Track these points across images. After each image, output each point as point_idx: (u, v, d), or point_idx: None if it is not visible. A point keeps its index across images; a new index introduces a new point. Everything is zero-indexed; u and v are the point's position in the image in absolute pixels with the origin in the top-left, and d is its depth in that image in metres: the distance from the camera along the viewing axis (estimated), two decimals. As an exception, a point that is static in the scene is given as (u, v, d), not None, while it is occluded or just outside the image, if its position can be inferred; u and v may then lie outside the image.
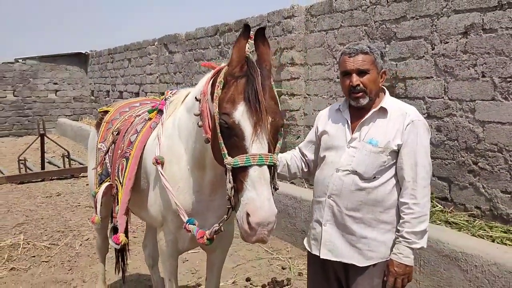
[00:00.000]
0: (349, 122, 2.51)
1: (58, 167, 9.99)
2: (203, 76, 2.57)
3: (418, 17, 5.20)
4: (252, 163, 2.01)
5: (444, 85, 4.98)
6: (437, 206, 4.95)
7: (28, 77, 16.72)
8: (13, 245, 5.68)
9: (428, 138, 2.45)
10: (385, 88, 2.55)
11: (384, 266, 2.46)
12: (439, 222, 4.60)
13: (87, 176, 9.19)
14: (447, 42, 4.92)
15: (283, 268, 4.97)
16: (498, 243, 4.15)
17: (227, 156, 2.07)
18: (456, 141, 4.90)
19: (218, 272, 3.11)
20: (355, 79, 2.40)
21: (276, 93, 2.25)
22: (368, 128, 2.45)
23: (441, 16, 4.96)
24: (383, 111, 2.44)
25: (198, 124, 2.36)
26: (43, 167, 9.72)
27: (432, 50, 5.08)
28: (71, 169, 9.49)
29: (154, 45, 11.54)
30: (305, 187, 6.28)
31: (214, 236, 2.32)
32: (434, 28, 5.04)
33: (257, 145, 2.04)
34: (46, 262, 5.20)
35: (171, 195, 2.57)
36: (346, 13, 6.14)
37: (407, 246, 2.37)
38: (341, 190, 2.45)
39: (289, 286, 4.56)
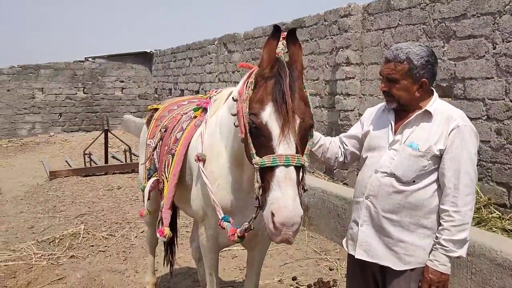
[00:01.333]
0: (392, 123, 2.47)
1: (121, 162, 10.42)
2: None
3: (479, 15, 4.98)
4: (279, 164, 2.02)
5: (506, 86, 4.75)
6: (495, 212, 4.73)
7: (97, 75, 17.57)
8: (74, 234, 6.01)
9: (476, 145, 2.34)
10: (433, 90, 2.47)
11: (420, 269, 2.40)
12: (495, 229, 4.40)
13: (145, 171, 9.75)
14: (509, 41, 4.68)
15: (331, 269, 4.93)
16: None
17: (255, 156, 2.10)
18: (517, 145, 4.66)
19: (258, 269, 3.14)
20: (383, 85, 2.41)
21: (307, 94, 2.25)
22: (411, 131, 2.40)
23: (504, 14, 4.73)
24: (427, 114, 2.38)
25: (234, 123, 2.41)
26: (106, 161, 10.20)
27: (493, 49, 4.85)
28: (131, 164, 9.88)
29: (214, 44, 11.76)
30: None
31: (245, 234, 2.35)
32: (496, 26, 4.81)
33: (284, 146, 2.05)
34: (103, 251, 5.46)
35: (210, 192, 2.64)
36: (404, 11, 5.98)
37: (444, 254, 2.30)
38: (378, 191, 2.43)
39: (335, 287, 4.53)
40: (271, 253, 5.46)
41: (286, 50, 2.28)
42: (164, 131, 3.38)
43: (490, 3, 4.85)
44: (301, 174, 2.14)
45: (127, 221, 6.55)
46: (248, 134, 2.14)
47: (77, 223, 6.49)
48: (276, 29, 2.17)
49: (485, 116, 4.93)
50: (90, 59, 17.66)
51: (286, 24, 8.66)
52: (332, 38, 7.20)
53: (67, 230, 6.16)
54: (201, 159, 2.73)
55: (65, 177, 9.44)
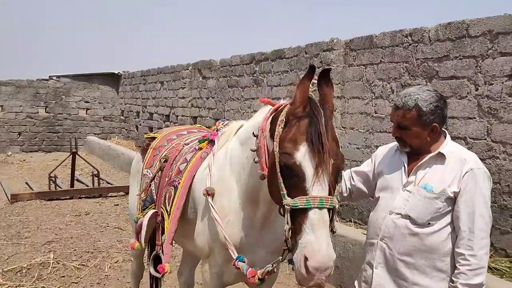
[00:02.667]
0: (405, 165, 2.48)
1: (87, 186, 10.08)
2: (258, 111, 2.58)
3: (462, 57, 5.17)
4: (312, 206, 1.98)
5: (487, 126, 4.91)
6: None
7: (61, 95, 17.08)
8: (43, 263, 5.68)
9: (489, 188, 2.36)
10: (446, 131, 2.51)
11: None
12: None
13: (115, 196, 9.43)
14: (491, 84, 4.87)
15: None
16: (542, 293, 3.99)
17: (286, 196, 2.04)
18: (498, 184, 4.79)
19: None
20: (394, 131, 2.45)
21: (337, 134, 2.23)
22: (424, 172, 2.41)
23: (486, 58, 4.92)
24: (441, 157, 2.40)
25: (254, 160, 2.35)
26: (72, 185, 9.82)
27: (475, 90, 5.03)
28: (100, 188, 9.56)
29: (188, 69, 11.71)
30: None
31: (266, 276, 2.27)
32: (479, 69, 4.99)
33: (318, 187, 2.01)
34: (75, 283, 5.19)
35: (220, 228, 2.55)
36: (386, 49, 6.14)
37: None
38: (394, 233, 2.41)
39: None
40: (252, 286, 5.34)
41: (314, 88, 2.26)
42: (164, 161, 3.27)
43: (473, 46, 5.04)
44: (331, 216, 2.10)
45: (99, 250, 6.27)
46: (279, 174, 2.08)
47: (44, 251, 6.15)
48: (312, 69, 2.14)
49: (467, 155, 5.06)
50: (54, 78, 17.18)
51: (265, 54, 8.73)
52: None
53: (34, 259, 5.82)
54: (210, 193, 2.64)
55: (27, 200, 8.99)
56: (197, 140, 3.14)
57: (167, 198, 3.04)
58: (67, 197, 9.30)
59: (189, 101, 11.59)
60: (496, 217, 4.79)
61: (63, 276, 5.37)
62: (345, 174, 2.80)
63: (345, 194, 2.77)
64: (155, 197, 3.26)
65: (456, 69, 5.23)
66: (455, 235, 2.35)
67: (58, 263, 5.72)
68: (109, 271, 5.53)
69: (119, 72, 17.47)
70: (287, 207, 2.03)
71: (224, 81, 10.08)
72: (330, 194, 2.05)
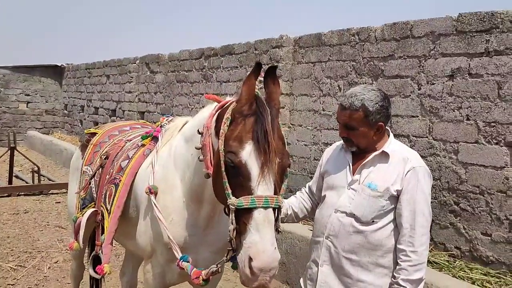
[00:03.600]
0: (350, 163, 2.50)
1: (27, 183, 9.64)
2: (204, 107, 2.52)
3: (406, 57, 5.30)
4: (257, 205, 1.94)
5: (429, 125, 5.06)
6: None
7: (-1, 87, 16.27)
8: (-23, 264, 5.38)
9: (429, 185, 2.42)
10: (389, 130, 2.54)
11: None
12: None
13: (56, 193, 9.06)
14: (433, 84, 5.02)
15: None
16: (478, 285, 4.16)
17: (231, 196, 2.00)
18: (438, 181, 4.95)
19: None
20: (341, 131, 2.45)
21: (283, 133, 2.21)
22: (369, 171, 2.43)
23: (429, 58, 5.07)
24: (384, 155, 2.42)
25: (199, 158, 2.29)
26: (10, 182, 9.35)
27: (418, 90, 5.17)
28: (40, 185, 9.15)
29: (135, 63, 11.42)
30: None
31: (211, 277, 2.22)
32: (421, 69, 5.14)
33: (263, 187, 1.98)
34: (12, 285, 4.93)
35: (164, 227, 2.47)
36: (334, 47, 6.21)
37: None
38: (339, 231, 2.42)
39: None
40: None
41: (260, 86, 2.22)
42: (105, 158, 3.14)
43: (417, 47, 5.18)
44: (276, 215, 2.07)
45: (38, 250, 6.00)
46: (224, 173, 2.03)
47: (-23, 254, 5.83)
48: (258, 66, 2.10)
49: (410, 152, 5.20)
50: (-8, 69, 16.34)
51: (215, 49, 8.64)
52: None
53: (-34, 260, 5.51)
54: (153, 191, 2.56)
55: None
56: (140, 137, 3.03)
57: (107, 197, 2.93)
58: (5, 195, 8.83)
59: (136, 95, 11.32)
60: (436, 212, 4.95)
61: (-2, 278, 5.11)
62: (303, 194, 2.79)
63: (314, 208, 2.71)
64: (95, 195, 3.13)
65: (401, 68, 5.36)
66: (397, 232, 2.39)
67: (-7, 265, 5.43)
68: (48, 272, 5.30)
69: (62, 65, 16.81)
70: (231, 206, 1.98)
71: (173, 76, 9.91)
72: (275, 193, 2.02)
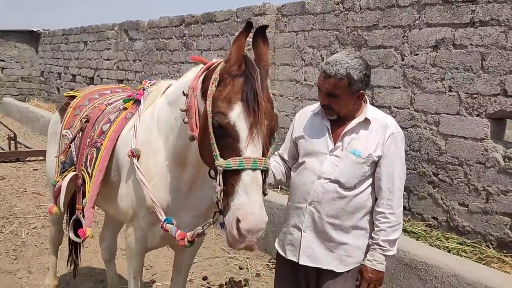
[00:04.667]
0: (329, 129, 2.51)
1: (3, 149, 9.45)
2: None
3: (390, 27, 5.27)
4: (246, 167, 1.92)
5: (411, 96, 5.08)
6: (396, 214, 5.03)
7: (-28, 51, 15.76)
8: (-50, 231, 5.29)
9: (403, 149, 2.53)
10: (366, 97, 2.55)
11: (356, 269, 2.51)
12: (398, 231, 4.68)
13: (33, 161, 8.91)
14: (417, 54, 5.01)
15: (241, 268, 4.90)
16: (453, 254, 4.27)
17: (219, 157, 1.97)
18: (418, 152, 5.00)
19: (186, 272, 3.01)
20: (322, 99, 2.43)
21: (271, 95, 2.17)
22: (351, 138, 2.46)
23: (413, 28, 5.05)
24: (365, 122, 2.46)
25: (183, 120, 2.25)
26: (-15, 148, 9.16)
27: (401, 60, 5.16)
28: (17, 152, 9.00)
29: (113, 30, 11.15)
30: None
31: (196, 238, 2.21)
32: (405, 39, 5.12)
33: (252, 148, 1.95)
34: (-12, 250, 4.88)
35: (147, 191, 2.45)
36: (318, 16, 6.13)
37: (382, 253, 2.45)
38: (323, 197, 2.46)
39: (247, 287, 4.51)
40: (179, 252, 5.29)
41: (249, 47, 2.18)
42: (86, 122, 3.07)
43: (401, 16, 5.15)
44: (264, 177, 2.06)
45: (16, 215, 5.93)
46: (212, 134, 2.00)
47: (-45, 218, 5.73)
48: (249, 25, 2.05)
49: (391, 123, 5.23)
50: (-37, 33, 15.78)
51: (196, 17, 8.47)
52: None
53: None
54: (135, 154, 2.52)
55: None
56: (122, 100, 2.97)
57: (88, 160, 2.87)
58: (-20, 162, 8.67)
59: (115, 63, 11.09)
60: (415, 183, 5.02)
61: (-25, 243, 5.03)
62: (277, 159, 2.78)
63: (289, 174, 2.72)
64: (75, 159, 3.07)
65: (384, 38, 5.33)
66: (374, 195, 2.50)
67: (-31, 231, 5.35)
68: (26, 237, 5.25)
69: (38, 30, 16.31)
70: (219, 168, 1.96)
71: (152, 44, 9.71)
72: (264, 155, 2.00)
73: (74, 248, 4.01)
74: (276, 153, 2.79)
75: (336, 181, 2.43)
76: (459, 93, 4.65)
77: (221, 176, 1.96)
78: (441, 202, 4.82)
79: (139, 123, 2.65)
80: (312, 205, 2.47)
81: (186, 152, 2.37)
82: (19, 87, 16.61)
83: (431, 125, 4.90)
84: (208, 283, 4.54)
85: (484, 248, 4.39)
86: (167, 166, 2.50)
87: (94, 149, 2.84)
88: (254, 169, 1.93)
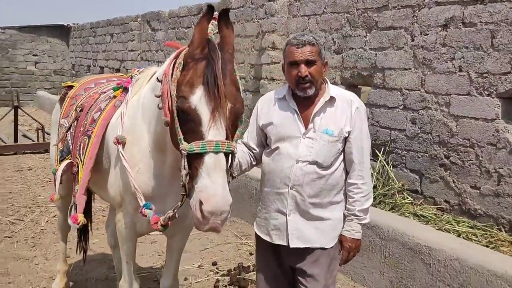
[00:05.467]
0: (298, 112, 2.52)
1: (32, 141, 9.79)
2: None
3: (400, 7, 5.15)
4: (208, 150, 1.95)
5: (422, 77, 4.96)
6: (407, 198, 4.96)
7: (7, 47, 16.30)
8: (-24, 219, 5.55)
9: (367, 121, 2.64)
10: (326, 78, 2.59)
11: (338, 240, 2.59)
12: (408, 215, 4.61)
13: (61, 151, 9.21)
14: (427, 34, 4.88)
15: (251, 254, 4.93)
16: (463, 238, 4.18)
17: (182, 141, 2.01)
18: (430, 134, 4.90)
19: (178, 257, 3.05)
20: (304, 69, 2.41)
21: (238, 78, 2.18)
22: (320, 118, 2.49)
23: (423, 7, 4.91)
24: (331, 100, 2.51)
25: (158, 106, 2.28)
26: (16, 140, 9.52)
27: (411, 41, 5.04)
28: (44, 144, 9.28)
29: (137, 21, 11.31)
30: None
31: (169, 222, 2.25)
32: (415, 19, 4.99)
33: (214, 132, 1.98)
34: (9, 237, 5.09)
35: (130, 177, 2.50)
36: (329, -1, 6.05)
37: (358, 223, 2.54)
38: (304, 180, 2.48)
39: (254, 272, 4.54)
40: (191, 237, 5.29)
41: (217, 31, 2.19)
42: (80, 111, 3.16)
43: (411, -4, 5.02)
44: (230, 160, 2.08)
45: (38, 204, 6.15)
46: (176, 119, 2.03)
47: (-20, 207, 6.00)
48: (210, 8, 2.06)
49: (402, 106, 5.13)
50: (-1, 30, 16.35)
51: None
52: (258, 22, 7.16)
53: (-32, 214, 5.69)
54: (120, 142, 2.57)
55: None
56: (112, 88, 3.03)
57: (81, 148, 2.96)
58: (11, 153, 9.02)
59: (139, 54, 11.27)
60: (427, 166, 4.92)
61: (-3, 231, 5.27)
62: (243, 148, 2.74)
63: (254, 163, 2.73)
64: (71, 147, 3.16)
65: (394, 19, 5.21)
66: (346, 170, 2.58)
67: (-7, 218, 5.60)
68: (45, 225, 5.45)
69: (68, 24, 16.73)
70: (183, 152, 2.00)
71: (173, 33, 9.81)
72: (227, 138, 2.02)
73: (83, 234, 4.13)
74: (240, 141, 2.79)
75: (314, 162, 2.46)
76: (469, 72, 4.51)
77: (185, 159, 2.00)
78: (453, 185, 4.71)
79: (126, 111, 2.70)
80: (294, 189, 2.49)
81: (165, 138, 2.39)
82: (51, 80, 17.12)
83: (442, 106, 4.78)
84: (217, 268, 4.60)
85: (496, 231, 4.28)
86: (149, 153, 2.54)
87: (86, 137, 2.92)
88: (216, 152, 1.95)
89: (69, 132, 3.21)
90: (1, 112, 14.68)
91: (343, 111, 2.49)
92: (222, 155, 1.97)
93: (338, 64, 5.91)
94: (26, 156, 8.96)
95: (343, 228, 2.57)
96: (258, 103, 2.75)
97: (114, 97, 2.95)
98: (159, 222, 2.25)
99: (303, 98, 2.50)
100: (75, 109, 3.23)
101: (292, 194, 2.50)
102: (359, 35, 5.60)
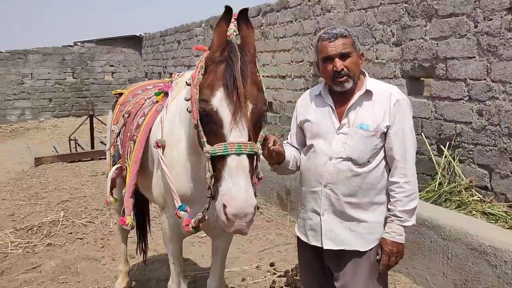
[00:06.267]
0: (333, 107, 2.45)
1: (107, 147, 10.32)
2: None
3: (461, -8, 4.84)
4: (230, 152, 1.95)
5: (487, 65, 4.63)
6: (475, 195, 4.65)
7: (86, 60, 17.33)
8: (54, 221, 5.93)
9: (411, 115, 2.45)
10: (364, 71, 2.48)
11: (378, 245, 2.44)
12: (475, 213, 4.33)
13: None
14: (490, 19, 4.55)
15: (310, 255, 4.87)
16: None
17: (206, 144, 2.02)
18: (498, 126, 4.56)
19: (223, 259, 3.07)
20: (339, 63, 2.33)
21: (260, 78, 2.15)
22: (356, 112, 2.39)
23: (486, -9, 4.59)
24: (367, 94, 2.39)
25: (187, 109, 2.31)
26: (92, 147, 10.08)
27: (474, 28, 4.72)
28: (118, 149, 9.77)
29: (201, 26, 11.58)
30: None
31: (200, 224, 2.26)
32: (477, 3, 4.67)
33: (236, 133, 1.97)
34: (80, 239, 5.39)
35: (168, 179, 2.55)
36: (386, -11, 5.82)
37: (400, 224, 2.37)
38: (337, 177, 2.40)
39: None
40: (250, 238, 5.40)
41: (238, 32, 2.18)
42: (127, 117, 3.28)
43: (472, -21, 4.71)
44: (255, 162, 2.06)
45: (108, 207, 6.45)
46: (199, 122, 2.05)
47: (57, 210, 6.41)
48: (227, 10, 2.07)
49: (467, 97, 4.83)
50: (79, 44, 17.41)
51: (271, 5, 8.49)
52: (315, 19, 7.05)
53: (46, 217, 6.09)
54: (160, 145, 2.64)
55: (50, 163, 9.34)
56: (154, 94, 3.11)
57: (128, 153, 3.06)
58: (88, 159, 9.57)
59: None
60: (496, 160, 4.59)
61: (71, 233, 5.60)
62: (288, 147, 2.69)
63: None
64: (121, 152, 3.29)
65: (455, 5, 4.91)
66: (388, 168, 2.43)
67: (68, 221, 5.97)
68: (114, 227, 5.71)
69: (140, 34, 17.49)
70: (207, 154, 2.01)
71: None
72: (250, 139, 2.00)
73: (142, 236, 4.28)
74: (285, 141, 2.75)
75: (349, 159, 2.37)
76: (539, 57, 4.15)
77: (209, 162, 2.00)
78: (526, 180, 4.36)
79: (166, 115, 2.76)
80: (328, 187, 2.41)
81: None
82: (127, 89, 17.96)
83: (510, 95, 4.43)
84: (274, 269, 4.58)
85: None
86: (187, 155, 2.58)
87: (132, 142, 3.02)
88: (238, 154, 1.94)
89: (119, 138, 3.35)
90: (83, 120, 15.70)
91: (382, 105, 2.36)
92: (244, 156, 1.96)
93: (397, 56, 5.67)
94: (101, 161, 9.45)
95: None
96: (297, 102, 2.72)
97: (157, 102, 3.03)
98: (190, 224, 2.27)
99: (340, 94, 2.42)
100: (123, 116, 3.35)
101: (326, 193, 2.42)
102: (419, 25, 5.34)
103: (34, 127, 15.66)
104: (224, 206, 1.92)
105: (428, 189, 4.97)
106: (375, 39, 6.02)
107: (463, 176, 4.83)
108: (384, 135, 2.38)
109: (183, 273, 3.04)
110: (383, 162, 2.42)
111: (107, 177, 3.43)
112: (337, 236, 2.44)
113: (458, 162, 4.92)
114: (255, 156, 2.05)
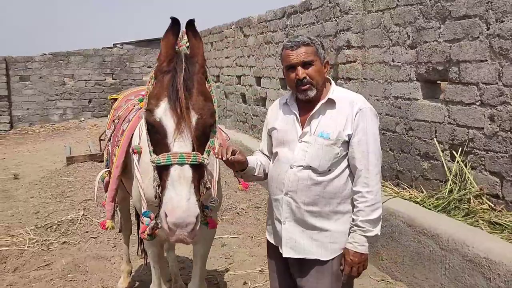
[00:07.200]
0: (298, 116, 2.45)
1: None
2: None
3: (474, -7, 4.67)
4: (173, 162, 1.99)
5: (499, 69, 4.44)
6: (485, 203, 4.47)
7: (125, 61, 17.84)
8: (73, 220, 6.16)
9: (377, 125, 2.41)
10: (330, 79, 2.48)
11: (341, 254, 2.43)
12: (482, 222, 4.16)
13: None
14: (502, 21, 4.37)
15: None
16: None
17: (152, 153, 2.06)
18: (509, 132, 4.37)
19: (203, 263, 3.11)
20: (301, 71, 2.34)
21: (209, 88, 2.18)
22: (318, 121, 2.39)
23: (498, -9, 4.40)
24: (331, 102, 2.39)
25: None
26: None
27: (487, 30, 4.54)
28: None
29: (231, 28, 11.67)
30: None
31: (156, 232, 2.30)
32: (490, 5, 4.49)
33: (179, 143, 2.01)
34: (94, 238, 5.58)
35: (139, 185, 2.62)
36: (402, -9, 5.68)
37: (362, 235, 2.35)
38: (298, 186, 2.40)
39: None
40: (259, 242, 5.43)
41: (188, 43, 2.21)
42: (117, 122, 3.38)
43: (484, -20, 4.53)
44: (201, 172, 2.08)
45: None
46: (146, 132, 2.10)
47: (79, 209, 6.64)
48: (174, 21, 2.11)
49: (479, 102, 4.65)
50: (118, 45, 17.97)
51: (295, 7, 8.45)
52: (336, 21, 6.97)
53: (67, 216, 6.32)
54: (136, 151, 2.71)
55: (81, 162, 9.68)
56: (138, 99, 3.19)
57: (112, 158, 3.16)
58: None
59: (234, 60, 11.60)
60: (507, 168, 4.40)
61: (87, 232, 5.81)
62: (260, 153, 2.73)
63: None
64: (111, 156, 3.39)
65: (468, 6, 4.74)
66: (353, 177, 2.40)
67: (86, 219, 6.17)
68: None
69: (177, 36, 17.78)
70: (152, 164, 2.05)
71: (262, 38, 9.94)
72: (194, 150, 2.02)
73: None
74: (258, 150, 2.77)
75: (309, 167, 2.36)
76: (551, 61, 3.94)
77: (156, 172, 2.04)
78: (538, 189, 4.15)
79: (143, 121, 2.83)
80: (288, 195, 2.42)
81: None
82: (164, 89, 18.33)
83: (522, 101, 4.24)
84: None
85: None
86: None
87: (117, 147, 3.12)
88: (181, 164, 1.97)
89: (109, 142, 3.45)
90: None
91: (344, 113, 2.36)
92: (187, 166, 1.99)
93: (412, 59, 5.53)
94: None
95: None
96: (268, 110, 2.74)
97: (140, 108, 3.10)
98: (146, 231, 2.32)
99: (305, 102, 2.43)
100: (113, 120, 3.46)
101: (287, 201, 2.42)
102: (433, 27, 5.18)
103: (75, 127, 16.27)
104: (166, 215, 1.95)
105: (438, 196, 4.82)
106: (391, 41, 5.89)
107: (474, 183, 4.66)
108: (347, 144, 2.36)
109: (163, 277, 3.10)
110: (347, 171, 2.39)
111: (102, 180, 3.55)
112: (298, 245, 2.43)
113: (470, 169, 4.75)
114: (202, 166, 2.07)
